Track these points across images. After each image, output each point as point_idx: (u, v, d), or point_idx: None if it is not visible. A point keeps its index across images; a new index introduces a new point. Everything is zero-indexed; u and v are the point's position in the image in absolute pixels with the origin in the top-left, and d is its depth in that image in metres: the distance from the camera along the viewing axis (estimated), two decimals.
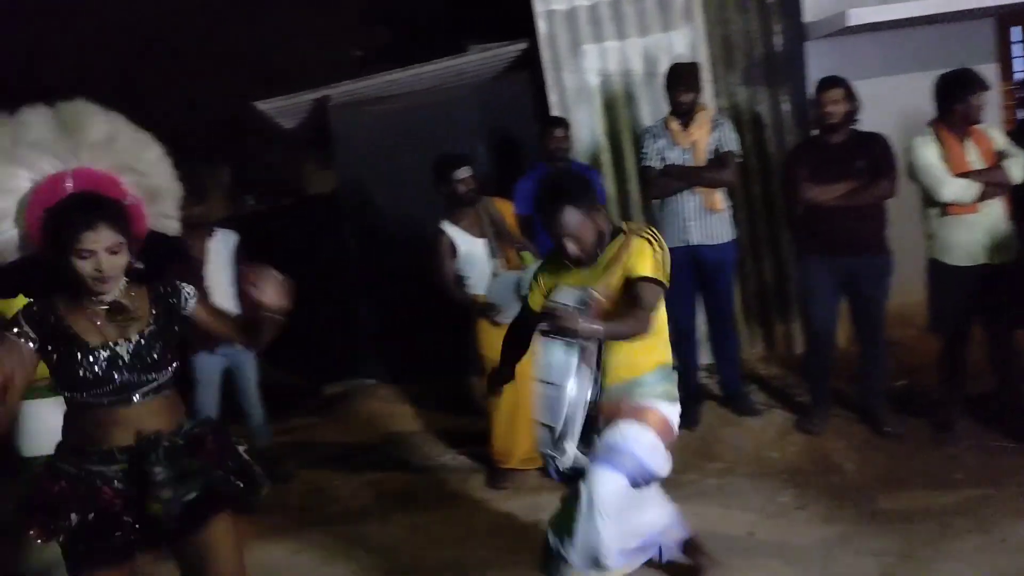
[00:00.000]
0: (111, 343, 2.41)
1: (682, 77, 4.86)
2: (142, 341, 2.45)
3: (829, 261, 4.55)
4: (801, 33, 5.71)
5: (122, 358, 2.41)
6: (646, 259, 2.88)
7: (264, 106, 7.05)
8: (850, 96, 4.48)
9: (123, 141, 2.52)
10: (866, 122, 4.59)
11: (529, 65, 6.37)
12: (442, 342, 5.79)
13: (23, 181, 2.39)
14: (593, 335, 2.75)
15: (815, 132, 4.70)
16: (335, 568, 3.96)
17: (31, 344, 2.38)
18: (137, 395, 2.43)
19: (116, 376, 2.39)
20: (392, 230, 6.60)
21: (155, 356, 2.45)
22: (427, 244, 4.72)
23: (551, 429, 2.86)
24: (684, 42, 5.82)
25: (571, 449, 2.87)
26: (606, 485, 2.85)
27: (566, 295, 2.94)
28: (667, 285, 2.93)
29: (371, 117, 6.67)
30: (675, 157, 4.85)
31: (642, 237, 2.94)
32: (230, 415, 5.16)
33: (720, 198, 4.86)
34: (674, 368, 3.14)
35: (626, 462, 2.89)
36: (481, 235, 4.61)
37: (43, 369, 3.62)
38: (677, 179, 4.83)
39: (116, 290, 2.43)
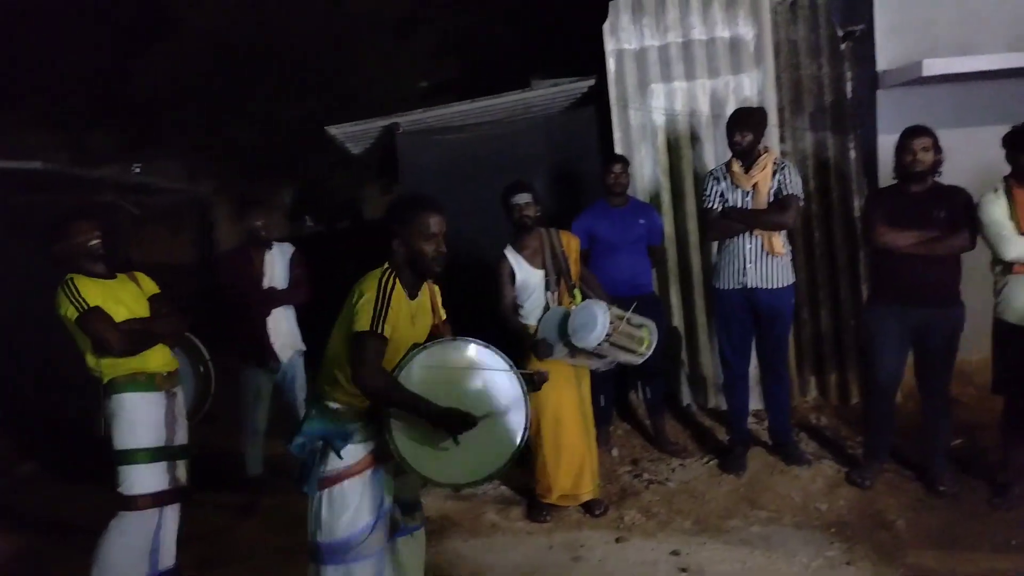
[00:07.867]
0: None
1: (740, 119, 4.82)
2: None
3: (899, 310, 4.44)
4: (873, 81, 5.66)
5: None
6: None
7: (334, 131, 7.19)
8: (937, 146, 4.37)
9: None
10: None
11: (595, 101, 6.42)
12: None
13: None
14: None
15: (894, 180, 4.53)
16: None
17: None
18: None
19: None
20: (452, 256, 6.63)
21: None
22: (486, 272, 4.75)
23: None
24: (753, 85, 5.82)
25: None
26: None
27: None
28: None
29: (439, 145, 6.74)
30: (736, 199, 4.82)
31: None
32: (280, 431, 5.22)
33: (780, 242, 4.80)
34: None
35: None
36: (541, 266, 4.62)
37: (141, 361, 3.76)
38: (736, 221, 4.80)
39: None
